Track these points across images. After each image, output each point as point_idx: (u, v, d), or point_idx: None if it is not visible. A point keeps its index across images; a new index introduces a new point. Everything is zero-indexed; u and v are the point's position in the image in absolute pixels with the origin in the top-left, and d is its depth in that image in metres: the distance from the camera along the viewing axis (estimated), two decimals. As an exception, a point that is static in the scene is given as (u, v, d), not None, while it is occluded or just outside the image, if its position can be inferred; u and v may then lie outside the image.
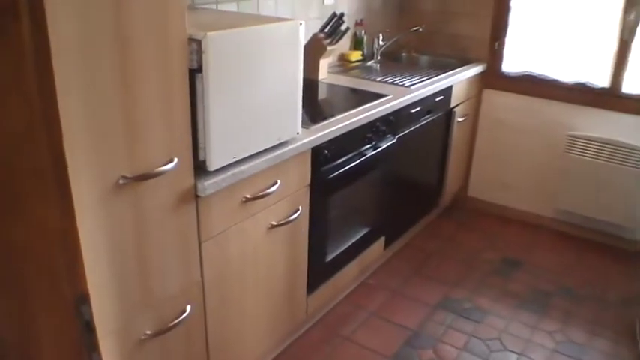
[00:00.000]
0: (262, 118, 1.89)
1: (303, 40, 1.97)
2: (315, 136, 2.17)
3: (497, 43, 3.72)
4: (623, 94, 3.44)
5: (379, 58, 3.61)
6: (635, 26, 3.30)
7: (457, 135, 3.60)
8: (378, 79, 3.13)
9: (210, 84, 1.63)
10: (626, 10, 3.29)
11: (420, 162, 3.34)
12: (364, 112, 2.50)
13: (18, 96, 1.25)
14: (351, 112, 2.47)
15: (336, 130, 2.29)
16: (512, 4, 3.61)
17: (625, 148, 3.42)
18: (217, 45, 1.62)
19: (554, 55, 3.58)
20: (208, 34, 1.58)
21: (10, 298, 1.55)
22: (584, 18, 3.45)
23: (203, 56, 1.59)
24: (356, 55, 3.51)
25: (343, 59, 3.47)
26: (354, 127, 2.42)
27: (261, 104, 1.87)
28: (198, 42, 1.59)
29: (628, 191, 3.44)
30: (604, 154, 3.49)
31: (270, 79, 1.88)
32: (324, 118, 2.34)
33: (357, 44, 3.56)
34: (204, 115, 1.66)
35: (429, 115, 3.18)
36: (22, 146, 1.30)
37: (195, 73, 1.62)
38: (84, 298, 1.33)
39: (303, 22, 1.95)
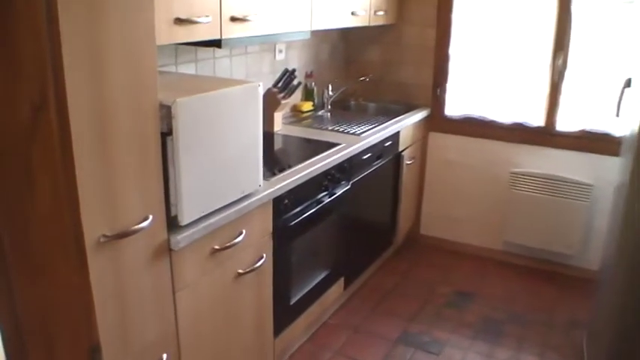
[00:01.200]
0: (228, 173, 2.04)
1: (261, 100, 2.14)
2: (275, 188, 2.33)
3: (439, 89, 3.99)
4: (558, 132, 3.73)
5: (329, 107, 3.82)
6: (564, 69, 3.61)
7: (407, 176, 3.82)
8: (330, 128, 3.32)
9: (180, 146, 1.78)
10: (555, 55, 3.61)
11: (373, 204, 3.53)
12: (319, 162, 2.67)
13: (47, 179, 1.48)
14: (307, 162, 2.64)
15: (294, 180, 2.45)
16: (451, 52, 3.89)
17: (563, 181, 3.70)
18: (185, 110, 1.77)
19: (493, 98, 3.86)
20: (177, 100, 1.74)
21: (40, 349, 1.69)
22: (518, 63, 3.75)
23: (173, 121, 1.74)
24: (307, 106, 3.70)
25: (296, 110, 3.65)
26: (311, 176, 2.58)
27: (226, 161, 2.02)
28: (168, 107, 1.74)
29: (569, 221, 3.70)
30: (545, 188, 3.75)
31: (233, 137, 2.03)
32: (283, 170, 2.50)
33: (308, 95, 3.76)
34: (175, 174, 1.80)
35: (379, 160, 3.38)
36: (48, 225, 1.53)
37: (165, 136, 1.76)
38: (97, 348, 1.46)
39: (261, 84, 2.12)
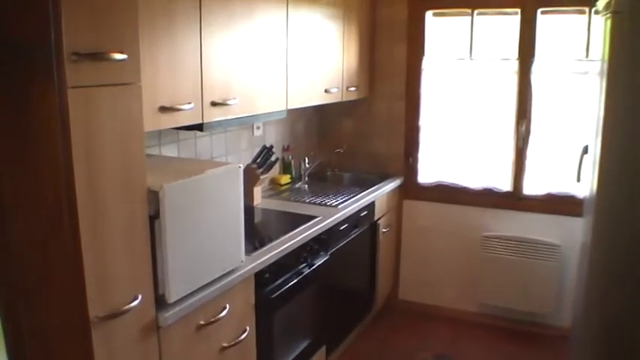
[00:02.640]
0: (212, 251, 2.14)
1: (242, 181, 2.27)
2: (256, 262, 2.43)
3: (411, 158, 4.17)
4: (525, 195, 3.92)
5: (307, 179, 3.96)
6: (527, 136, 3.83)
7: (383, 244, 3.94)
8: (307, 200, 3.46)
9: (167, 228, 1.89)
10: (518, 122, 3.83)
11: (352, 272, 3.63)
12: (298, 235, 2.79)
13: (60, 269, 1.63)
14: (287, 235, 2.76)
15: (274, 254, 2.56)
16: (422, 123, 4.10)
17: (532, 243, 3.86)
18: (172, 195, 1.89)
19: (463, 164, 4.04)
20: (164, 185, 1.86)
21: None
22: (485, 130, 3.96)
23: (160, 205, 1.86)
24: (285, 179, 3.84)
25: (274, 183, 3.79)
26: (291, 249, 2.69)
27: (210, 239, 2.13)
28: (156, 193, 1.86)
29: (541, 281, 3.84)
30: (515, 249, 3.90)
31: (217, 216, 2.15)
32: (263, 244, 2.61)
33: (285, 168, 3.91)
34: (162, 255, 1.90)
35: (356, 230, 3.51)
36: (60, 309, 1.66)
37: (153, 219, 1.88)
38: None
39: (241, 165, 2.26)
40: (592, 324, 2.70)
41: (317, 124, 4.35)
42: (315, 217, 3.08)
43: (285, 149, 3.92)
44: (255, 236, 2.73)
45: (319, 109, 4.27)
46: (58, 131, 1.51)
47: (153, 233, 1.89)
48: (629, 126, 2.48)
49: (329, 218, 3.09)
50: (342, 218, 3.24)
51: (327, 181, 4.19)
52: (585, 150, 3.21)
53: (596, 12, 2.94)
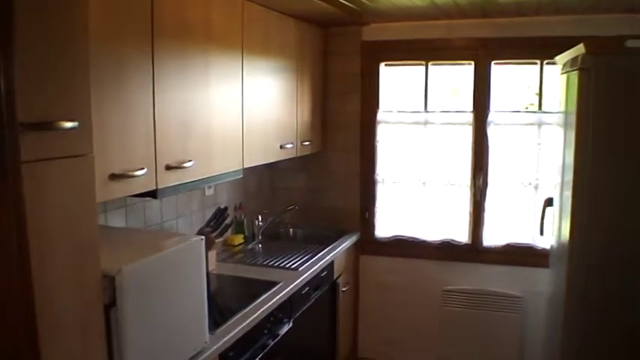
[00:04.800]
0: (173, 335, 1.91)
1: (204, 255, 2.05)
2: (221, 342, 2.20)
3: (367, 213, 4.04)
4: (484, 247, 3.84)
5: (260, 237, 3.75)
6: (485, 188, 3.77)
7: (343, 303, 3.75)
8: (265, 262, 3.25)
9: (126, 319, 1.65)
10: (475, 175, 3.77)
11: (314, 336, 3.42)
12: (262, 305, 2.57)
13: None
14: (250, 307, 2.54)
15: (239, 330, 2.34)
16: (378, 177, 3.99)
17: (493, 295, 3.78)
18: (131, 279, 1.66)
19: (421, 218, 3.93)
20: (122, 269, 1.63)
21: None
22: (443, 183, 3.88)
23: (117, 292, 1.62)
24: (238, 239, 3.62)
25: (227, 244, 3.56)
26: (255, 322, 2.47)
27: (172, 323, 1.89)
28: (112, 278, 1.62)
29: (503, 334, 3.75)
30: (476, 303, 3.81)
31: (179, 297, 1.92)
32: (226, 319, 2.38)
33: (238, 227, 3.70)
34: (119, 348, 1.66)
35: (317, 291, 3.31)
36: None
37: (109, 308, 1.63)
38: None
39: (204, 238, 2.05)
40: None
41: (269, 181, 4.17)
42: (276, 282, 2.87)
43: (237, 208, 3.71)
44: (216, 309, 2.49)
45: (271, 165, 4.09)
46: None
47: (109, 323, 1.64)
48: (600, 176, 2.47)
49: (291, 283, 2.90)
50: (304, 282, 3.04)
51: (281, 239, 4.00)
52: (549, 202, 3.18)
53: (563, 67, 2.94)
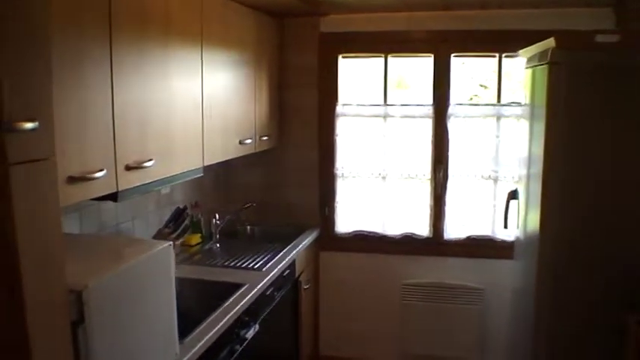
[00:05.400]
0: (145, 349, 1.77)
1: (174, 262, 1.92)
2: (191, 353, 2.08)
3: (326, 208, 3.95)
4: (445, 240, 3.82)
5: (218, 236, 3.60)
6: (446, 181, 3.75)
7: (305, 301, 3.67)
8: (226, 263, 3.13)
9: (94, 336, 1.51)
10: (435, 168, 3.74)
11: (278, 337, 3.31)
12: (230, 310, 2.46)
13: None
14: (217, 312, 2.42)
15: (209, 338, 2.22)
16: (337, 171, 3.90)
17: (454, 288, 3.77)
18: (98, 294, 1.52)
19: (381, 212, 3.88)
20: (89, 284, 1.48)
21: None
22: (403, 177, 3.84)
23: (85, 308, 1.48)
24: (196, 239, 3.47)
25: (184, 245, 3.40)
26: (223, 329, 2.36)
27: (142, 336, 1.75)
28: (79, 293, 1.48)
29: (464, 326, 3.75)
30: (437, 296, 3.80)
31: (148, 308, 1.78)
32: (194, 327, 2.25)
33: (195, 227, 3.54)
34: (88, 368, 1.52)
35: (281, 291, 3.21)
36: None
37: (76, 325, 1.49)
38: None
39: (171, 243, 1.91)
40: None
41: (226, 178, 4.01)
42: (242, 284, 2.75)
43: (194, 206, 3.55)
44: (184, 317, 2.35)
45: (226, 161, 3.93)
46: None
47: (76, 341, 1.50)
48: (570, 167, 2.47)
49: (257, 284, 2.78)
50: (269, 282, 2.94)
51: (239, 238, 3.87)
52: (513, 195, 3.17)
53: (528, 60, 2.93)
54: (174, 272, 1.92)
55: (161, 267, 1.85)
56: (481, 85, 4.24)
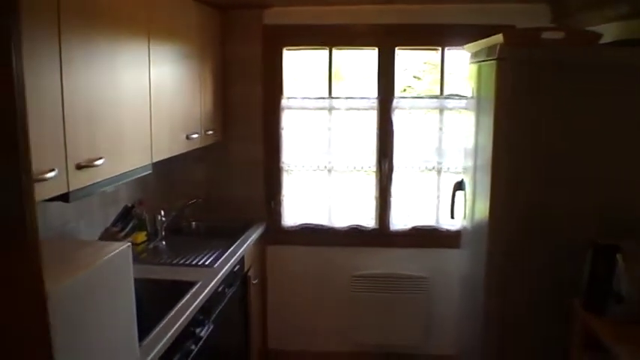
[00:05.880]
0: (106, 356, 1.71)
1: (131, 264, 1.87)
2: (150, 356, 2.03)
3: (273, 202, 3.93)
4: (391, 231, 3.88)
5: (163, 234, 3.52)
6: (391, 173, 3.80)
7: (253, 296, 3.64)
8: (176, 261, 3.07)
9: (56, 346, 1.44)
10: (381, 160, 3.78)
11: (228, 332, 3.27)
12: (185, 310, 2.41)
13: None
14: (173, 312, 2.37)
15: (167, 339, 2.17)
16: (283, 165, 3.88)
17: (401, 277, 3.85)
18: (58, 303, 1.44)
19: (328, 205, 3.90)
20: (50, 292, 1.41)
21: None
22: (349, 169, 3.87)
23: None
24: (141, 237, 3.37)
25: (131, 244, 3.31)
26: (181, 329, 2.31)
27: (104, 343, 1.69)
28: (41, 301, 1.40)
29: (412, 314, 3.83)
30: (385, 286, 3.86)
31: (108, 313, 1.72)
32: (151, 328, 2.20)
33: (140, 225, 3.45)
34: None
35: (231, 288, 3.18)
36: None
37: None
38: None
39: (129, 244, 1.86)
40: (491, 345, 2.71)
41: (169, 173, 3.91)
42: (194, 282, 2.70)
43: (138, 204, 3.45)
44: (139, 318, 2.29)
45: (170, 157, 3.86)
46: None
47: (37, 353, 1.43)
48: (517, 158, 2.55)
49: (210, 281, 2.74)
50: (221, 279, 2.90)
51: (184, 234, 3.78)
52: (459, 186, 3.25)
53: (475, 55, 3.00)
54: (132, 273, 1.86)
55: (121, 270, 1.80)
56: (415, 77, 4.32)
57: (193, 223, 3.89)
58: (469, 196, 3.09)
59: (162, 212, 3.54)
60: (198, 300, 2.53)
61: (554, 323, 2.59)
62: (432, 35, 3.63)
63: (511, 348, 2.68)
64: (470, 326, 3.04)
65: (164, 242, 3.44)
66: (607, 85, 2.46)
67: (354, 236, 3.92)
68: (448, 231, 3.77)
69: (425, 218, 3.86)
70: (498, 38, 2.51)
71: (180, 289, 2.63)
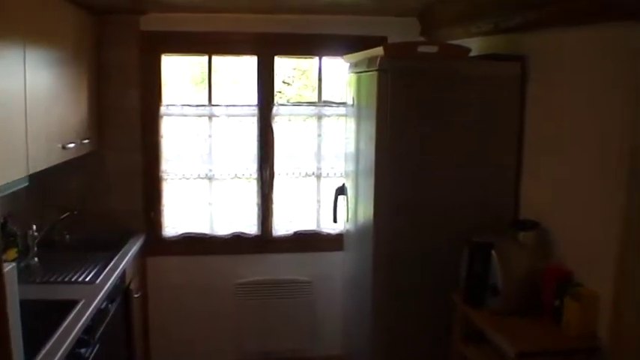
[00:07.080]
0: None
1: (17, 284, 1.75)
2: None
3: (152, 213, 3.83)
4: (274, 237, 3.93)
5: (36, 249, 3.30)
6: (272, 180, 3.84)
7: (136, 310, 3.53)
8: (53, 278, 2.92)
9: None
10: (262, 167, 3.82)
11: (113, 350, 3.13)
12: (70, 332, 2.27)
13: None
14: (57, 335, 2.22)
15: (54, 364, 2.05)
16: (163, 174, 3.79)
17: (285, 283, 3.92)
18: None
19: (210, 213, 3.86)
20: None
21: None
22: (230, 177, 3.87)
23: None
24: (12, 254, 3.14)
25: (0, 262, 3.08)
26: (66, 354, 2.18)
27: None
28: None
29: (297, 318, 3.92)
30: (269, 292, 3.92)
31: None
32: (34, 355, 2.06)
33: (9, 241, 3.21)
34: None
35: (114, 303, 3.06)
36: None
37: None
38: None
39: (14, 264, 1.74)
40: (380, 341, 2.86)
41: (39, 186, 3.65)
42: (77, 300, 2.57)
43: (7, 217, 3.21)
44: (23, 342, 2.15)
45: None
46: None
47: None
48: (399, 162, 2.72)
49: (94, 299, 2.62)
50: (105, 295, 2.78)
51: (59, 249, 3.55)
52: (341, 190, 3.36)
53: (355, 65, 3.12)
54: (17, 297, 1.75)
55: (8, 290, 1.68)
56: (284, 82, 4.42)
57: (67, 236, 3.68)
58: (351, 200, 3.21)
59: (35, 227, 3.32)
60: (84, 319, 2.42)
61: (439, 316, 2.77)
62: (310, 45, 3.73)
63: (400, 343, 2.83)
64: (357, 325, 3.16)
65: (36, 259, 3.23)
66: (476, 95, 2.70)
67: (237, 244, 3.92)
68: (329, 234, 3.88)
69: (306, 223, 3.95)
70: (379, 50, 2.64)
71: (61, 308, 2.48)
